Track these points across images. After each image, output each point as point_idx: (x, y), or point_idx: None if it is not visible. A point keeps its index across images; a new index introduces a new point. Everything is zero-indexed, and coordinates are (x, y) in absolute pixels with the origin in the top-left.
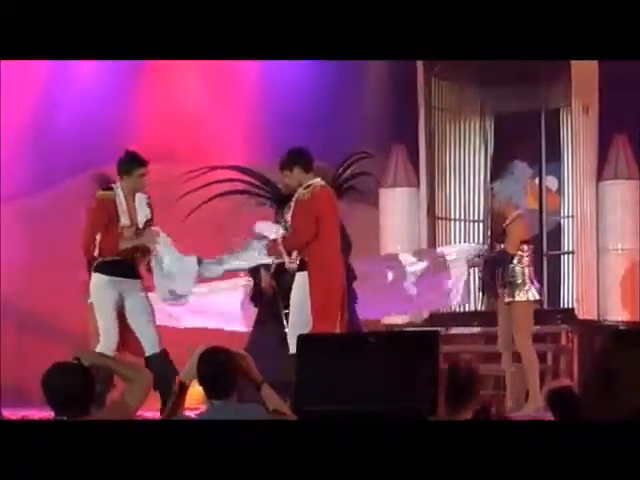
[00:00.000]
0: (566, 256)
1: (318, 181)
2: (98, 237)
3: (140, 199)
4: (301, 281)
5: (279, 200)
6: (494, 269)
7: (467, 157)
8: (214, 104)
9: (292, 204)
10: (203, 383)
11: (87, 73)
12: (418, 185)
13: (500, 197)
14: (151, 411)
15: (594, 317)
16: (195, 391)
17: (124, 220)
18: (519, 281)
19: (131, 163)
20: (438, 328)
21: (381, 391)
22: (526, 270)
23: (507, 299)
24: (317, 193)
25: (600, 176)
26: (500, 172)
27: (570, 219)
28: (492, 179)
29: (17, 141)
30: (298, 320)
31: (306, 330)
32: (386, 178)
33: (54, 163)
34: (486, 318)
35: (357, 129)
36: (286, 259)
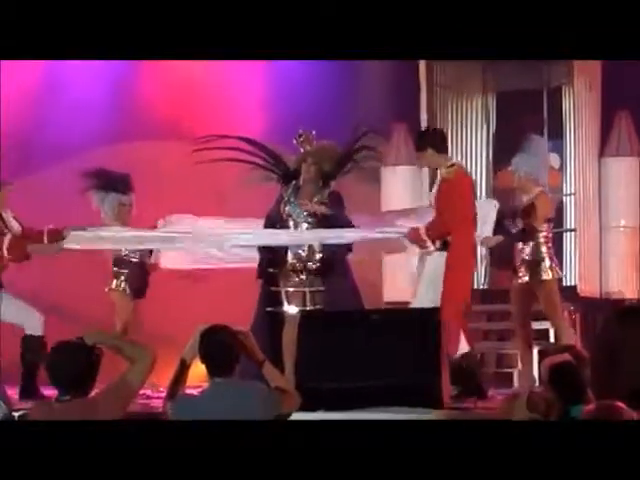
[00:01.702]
0: (568, 234)
1: (458, 163)
2: None
3: (8, 214)
4: (441, 260)
5: (286, 176)
6: (518, 245)
7: (469, 135)
8: (219, 82)
9: (437, 184)
10: (205, 361)
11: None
12: None
13: (520, 172)
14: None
15: (596, 295)
16: (198, 370)
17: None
18: (543, 259)
19: None
20: None
21: (384, 367)
22: (544, 248)
23: (529, 278)
24: (460, 174)
25: (602, 153)
26: (516, 147)
27: (572, 197)
28: (497, 156)
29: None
30: (431, 296)
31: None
32: (388, 157)
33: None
34: (488, 296)
35: (358, 107)
36: (431, 247)
